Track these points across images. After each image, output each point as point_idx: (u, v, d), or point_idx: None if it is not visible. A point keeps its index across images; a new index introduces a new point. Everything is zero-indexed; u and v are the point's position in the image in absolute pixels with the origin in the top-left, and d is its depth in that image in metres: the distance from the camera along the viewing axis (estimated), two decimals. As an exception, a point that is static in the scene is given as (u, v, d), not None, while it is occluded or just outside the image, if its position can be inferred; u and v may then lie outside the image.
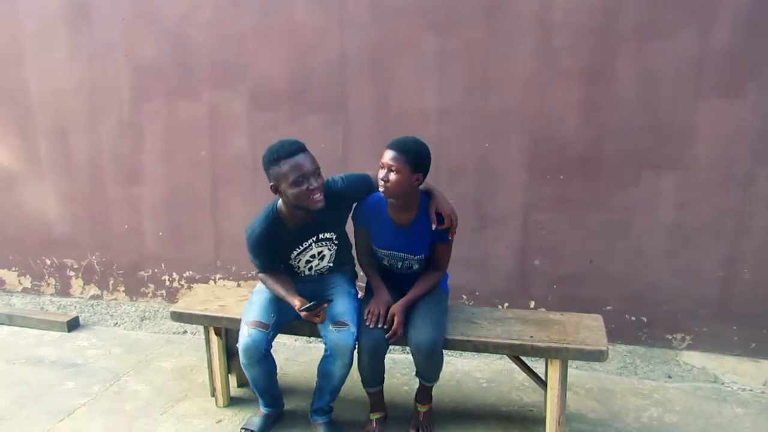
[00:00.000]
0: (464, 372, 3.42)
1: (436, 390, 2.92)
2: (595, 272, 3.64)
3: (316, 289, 2.83)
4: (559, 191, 3.60)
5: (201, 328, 3.15)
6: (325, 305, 2.56)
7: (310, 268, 2.84)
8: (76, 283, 4.61)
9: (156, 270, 4.42)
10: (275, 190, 2.54)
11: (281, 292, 2.67)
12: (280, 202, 2.65)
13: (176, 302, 3.46)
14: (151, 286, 4.45)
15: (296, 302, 2.56)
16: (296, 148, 2.51)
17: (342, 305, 2.71)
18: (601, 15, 3.35)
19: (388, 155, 2.50)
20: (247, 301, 2.88)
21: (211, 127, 4.07)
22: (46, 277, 4.67)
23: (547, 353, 2.60)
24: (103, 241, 4.48)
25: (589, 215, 3.59)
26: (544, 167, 3.58)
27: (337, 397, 2.83)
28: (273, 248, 2.71)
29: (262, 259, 2.74)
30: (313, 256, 2.79)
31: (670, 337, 3.62)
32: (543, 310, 3.60)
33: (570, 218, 3.62)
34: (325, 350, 2.67)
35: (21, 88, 4.34)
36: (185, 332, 4.01)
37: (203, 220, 4.24)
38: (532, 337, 2.63)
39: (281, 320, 2.76)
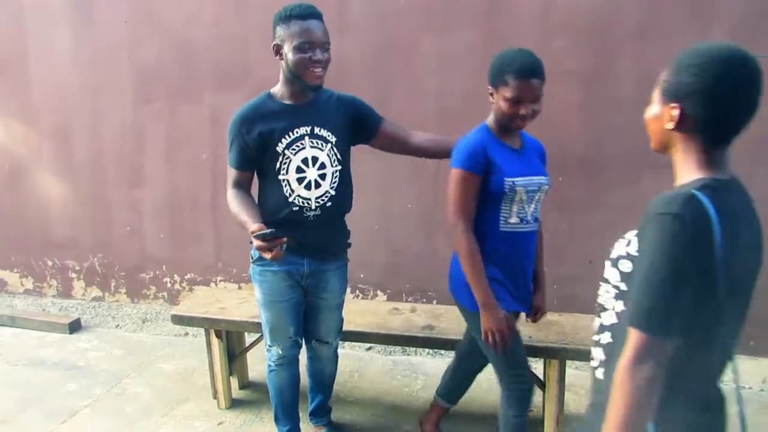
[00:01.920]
0: (464, 373, 3.43)
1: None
2: (595, 273, 3.62)
3: (310, 280, 2.46)
4: (559, 192, 3.60)
5: (202, 330, 3.16)
6: (284, 241, 2.01)
7: (308, 187, 2.29)
8: (78, 285, 4.63)
9: (157, 272, 4.43)
10: (276, 51, 2.25)
11: (241, 215, 2.18)
12: (276, 86, 2.35)
13: (177, 304, 3.48)
14: (153, 288, 4.47)
15: (253, 226, 2.04)
16: (311, 12, 2.26)
17: (329, 323, 2.59)
18: (600, 17, 3.36)
19: (535, 83, 2.09)
20: (262, 319, 2.53)
21: (212, 129, 4.09)
22: (48, 278, 4.69)
23: (545, 353, 2.61)
24: (104, 243, 4.49)
25: (589, 215, 3.59)
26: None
27: (338, 399, 2.83)
28: (256, 134, 2.25)
29: (238, 149, 2.29)
30: (306, 162, 2.29)
31: (670, 338, 3.62)
32: (543, 310, 3.61)
33: (570, 218, 3.63)
34: (308, 354, 2.70)
35: (24, 90, 4.37)
36: (186, 334, 4.02)
37: (204, 222, 4.25)
38: (530, 337, 2.64)
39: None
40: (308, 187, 2.30)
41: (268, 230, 2.01)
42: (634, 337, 1.20)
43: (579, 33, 3.40)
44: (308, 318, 2.56)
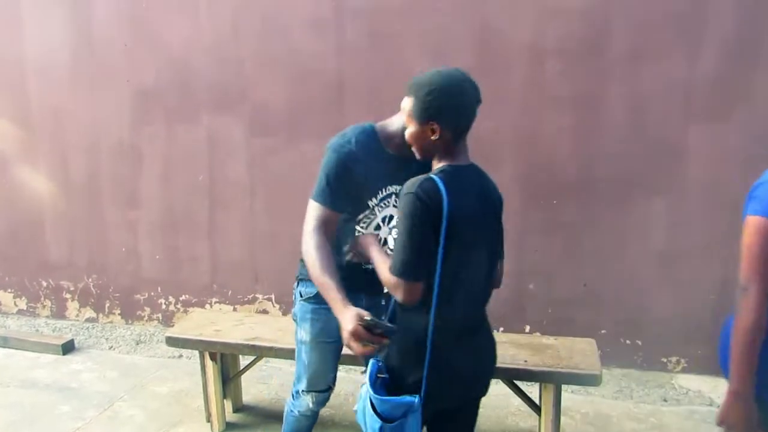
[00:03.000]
0: (459, 396, 3.41)
1: (431, 414, 2.91)
2: (589, 296, 3.66)
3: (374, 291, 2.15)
4: (552, 215, 3.63)
5: (196, 353, 3.14)
6: (387, 343, 1.66)
7: (378, 228, 2.11)
8: (72, 306, 4.61)
9: (152, 293, 4.42)
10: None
11: (331, 286, 1.79)
12: (385, 123, 2.10)
13: (172, 326, 3.47)
14: (147, 310, 4.45)
15: (352, 313, 1.66)
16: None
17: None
18: (591, 42, 3.42)
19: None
20: (302, 362, 2.29)
21: (209, 151, 4.11)
22: (42, 299, 4.67)
23: (540, 377, 2.61)
24: (99, 264, 4.48)
25: (582, 239, 3.62)
26: (537, 192, 3.62)
27: (333, 423, 2.81)
28: (358, 176, 2.00)
29: (332, 187, 1.97)
30: (384, 220, 2.11)
31: (665, 361, 3.63)
32: (538, 334, 3.62)
33: (563, 242, 3.65)
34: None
35: (23, 111, 4.39)
36: (181, 356, 4.00)
37: (200, 243, 4.25)
38: (525, 361, 2.64)
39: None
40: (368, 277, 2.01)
41: (390, 327, 1.66)
42: (394, 282, 1.67)
43: (570, 58, 3.45)
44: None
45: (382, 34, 3.68)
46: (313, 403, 2.29)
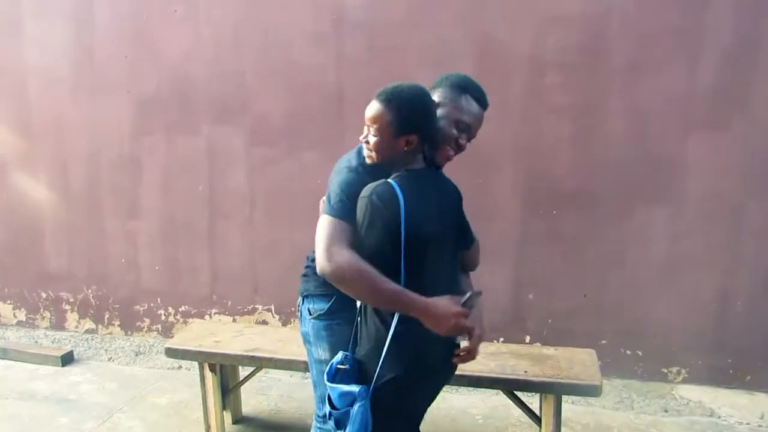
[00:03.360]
0: (460, 408, 3.40)
1: (432, 427, 2.90)
2: (589, 306, 3.66)
3: None
4: (552, 225, 3.64)
5: (196, 364, 3.14)
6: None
7: None
8: (71, 317, 4.60)
9: (152, 304, 4.42)
10: None
11: (404, 292, 1.71)
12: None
13: (171, 337, 3.46)
14: (147, 321, 4.44)
15: (445, 300, 1.72)
16: (485, 100, 2.00)
17: None
18: (590, 53, 3.44)
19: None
20: (317, 376, 2.18)
21: (209, 161, 4.12)
22: (41, 310, 4.67)
23: (540, 388, 2.60)
24: (99, 275, 4.48)
25: (583, 249, 3.62)
26: (537, 202, 3.63)
27: None
28: None
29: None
30: None
31: (665, 371, 3.62)
32: (538, 344, 3.61)
33: (563, 252, 3.65)
34: None
35: (24, 121, 4.41)
36: (180, 367, 3.99)
37: (200, 254, 4.25)
38: (526, 371, 2.63)
39: None
40: None
41: (475, 293, 1.79)
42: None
43: (569, 69, 3.47)
44: None
45: (381, 47, 3.70)
46: None
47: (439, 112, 1.93)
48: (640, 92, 3.41)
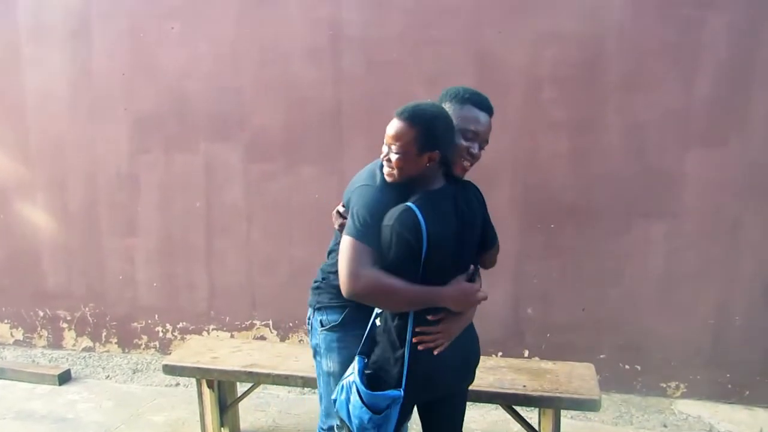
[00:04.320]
0: (459, 423, 3.38)
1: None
2: (587, 320, 3.65)
3: None
4: (550, 240, 3.64)
5: (194, 380, 3.13)
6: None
7: None
8: (69, 335, 4.58)
9: (149, 321, 4.40)
10: None
11: (424, 289, 1.85)
12: None
13: (169, 354, 3.45)
14: (144, 338, 4.43)
15: (456, 281, 1.90)
16: (488, 105, 2.06)
17: None
18: (587, 68, 3.46)
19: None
20: (324, 388, 2.22)
21: (207, 178, 4.13)
22: (39, 329, 4.64)
23: (539, 402, 2.60)
24: (97, 292, 4.47)
25: (581, 263, 3.62)
26: (534, 216, 3.64)
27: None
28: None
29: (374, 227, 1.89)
30: None
31: (664, 386, 3.61)
32: (536, 358, 3.60)
33: (561, 266, 3.65)
34: None
35: (21, 140, 4.42)
36: (178, 384, 3.97)
37: (197, 270, 4.25)
38: (524, 386, 2.63)
39: None
40: None
41: (476, 269, 2.05)
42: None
43: (567, 84, 3.49)
44: None
45: (378, 62, 3.73)
46: None
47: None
48: (637, 107, 3.43)
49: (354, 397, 1.88)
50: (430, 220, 1.79)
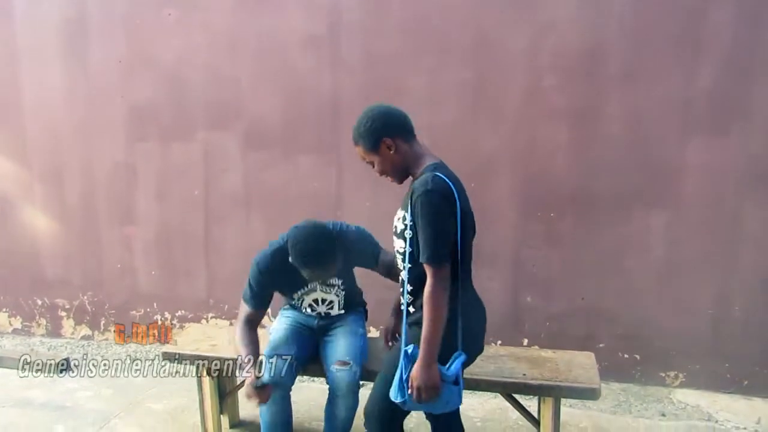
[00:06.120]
0: (458, 411, 3.39)
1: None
2: (587, 309, 3.65)
3: (322, 323, 2.77)
4: (550, 229, 3.64)
5: (193, 368, 3.12)
6: (270, 390, 2.48)
7: (313, 309, 2.75)
8: (67, 324, 4.58)
9: (148, 309, 4.40)
10: None
11: (243, 349, 2.55)
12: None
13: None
14: (143, 326, 4.42)
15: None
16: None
17: (345, 344, 2.64)
18: (588, 56, 3.44)
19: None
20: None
21: (205, 166, 4.12)
22: (37, 317, 4.64)
23: (539, 391, 2.59)
24: (95, 281, 4.46)
25: (580, 253, 3.62)
26: (534, 205, 3.63)
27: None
28: (275, 282, 2.64)
29: (254, 293, 2.63)
30: (316, 301, 2.72)
31: (663, 375, 3.61)
32: (536, 347, 3.59)
33: (561, 256, 3.65)
34: (329, 391, 2.61)
35: (17, 129, 4.39)
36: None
37: (196, 258, 4.24)
38: (524, 374, 2.63)
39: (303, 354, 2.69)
40: (313, 309, 2.75)
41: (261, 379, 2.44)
42: (430, 271, 1.93)
43: (567, 72, 3.47)
44: (327, 351, 2.68)
45: (376, 51, 3.70)
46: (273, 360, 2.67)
47: None
48: (638, 97, 3.41)
49: (449, 385, 2.02)
50: (455, 184, 1.97)
